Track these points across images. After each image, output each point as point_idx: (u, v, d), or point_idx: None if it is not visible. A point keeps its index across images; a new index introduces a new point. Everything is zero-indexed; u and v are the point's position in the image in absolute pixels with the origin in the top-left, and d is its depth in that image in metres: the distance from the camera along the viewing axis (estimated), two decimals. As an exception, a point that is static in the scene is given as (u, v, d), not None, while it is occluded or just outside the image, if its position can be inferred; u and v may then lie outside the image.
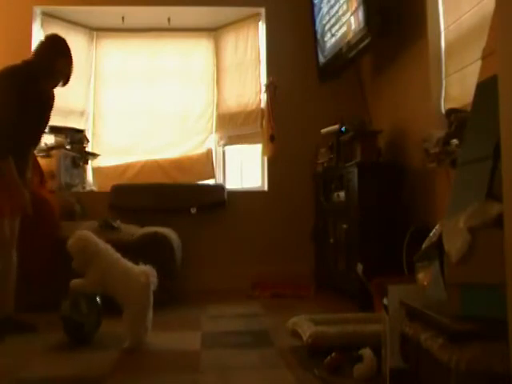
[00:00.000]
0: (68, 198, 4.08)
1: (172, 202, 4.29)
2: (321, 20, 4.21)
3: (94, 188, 4.68)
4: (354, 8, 3.48)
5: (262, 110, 4.61)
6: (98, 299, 2.62)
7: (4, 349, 2.51)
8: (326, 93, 4.41)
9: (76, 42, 4.66)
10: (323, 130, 4.07)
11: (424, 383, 1.56)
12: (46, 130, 3.35)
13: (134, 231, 3.67)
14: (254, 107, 4.70)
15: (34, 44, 3.58)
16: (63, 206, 3.85)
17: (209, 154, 4.77)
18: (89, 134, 4.74)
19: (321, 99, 4.45)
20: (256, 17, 4.75)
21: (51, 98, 2.95)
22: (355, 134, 3.61)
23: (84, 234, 2.57)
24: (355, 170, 3.36)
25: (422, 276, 1.92)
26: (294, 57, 4.56)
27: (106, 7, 4.58)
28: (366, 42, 3.39)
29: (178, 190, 4.39)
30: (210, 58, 4.96)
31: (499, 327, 1.25)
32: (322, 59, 4.29)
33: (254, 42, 4.76)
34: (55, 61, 2.80)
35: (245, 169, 4.98)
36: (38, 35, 4.45)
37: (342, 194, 3.62)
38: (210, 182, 4.75)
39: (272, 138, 4.40)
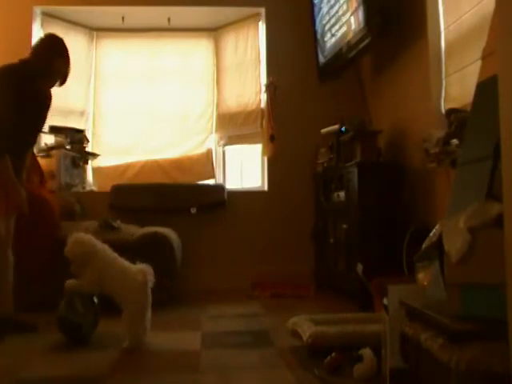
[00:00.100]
0: (68, 198, 4.07)
1: (172, 202, 4.29)
2: (321, 20, 4.21)
3: (94, 188, 4.68)
4: (353, 8, 3.48)
5: (262, 109, 4.61)
6: (95, 299, 2.62)
7: (4, 349, 2.51)
8: (326, 93, 4.41)
9: (76, 42, 4.67)
10: (323, 130, 4.07)
11: (424, 383, 1.56)
12: (45, 130, 3.35)
13: (134, 231, 3.67)
14: (254, 107, 4.70)
15: (34, 44, 3.57)
16: (63, 205, 3.85)
17: (209, 154, 4.77)
18: (89, 134, 4.73)
19: (321, 99, 4.45)
20: (256, 17, 4.75)
21: (48, 98, 2.94)
22: (355, 134, 3.61)
23: (80, 236, 2.55)
24: (355, 170, 3.36)
25: (422, 276, 1.92)
26: (293, 57, 4.56)
27: (106, 7, 4.58)
28: (366, 42, 3.39)
29: (177, 190, 4.38)
30: (210, 58, 4.96)
31: (499, 327, 1.25)
32: (321, 59, 4.29)
33: (254, 42, 4.76)
34: (52, 61, 2.79)
35: (245, 169, 4.97)
36: (37, 35, 4.43)
37: (341, 194, 3.62)
38: (210, 182, 4.74)
39: (272, 138, 4.40)
